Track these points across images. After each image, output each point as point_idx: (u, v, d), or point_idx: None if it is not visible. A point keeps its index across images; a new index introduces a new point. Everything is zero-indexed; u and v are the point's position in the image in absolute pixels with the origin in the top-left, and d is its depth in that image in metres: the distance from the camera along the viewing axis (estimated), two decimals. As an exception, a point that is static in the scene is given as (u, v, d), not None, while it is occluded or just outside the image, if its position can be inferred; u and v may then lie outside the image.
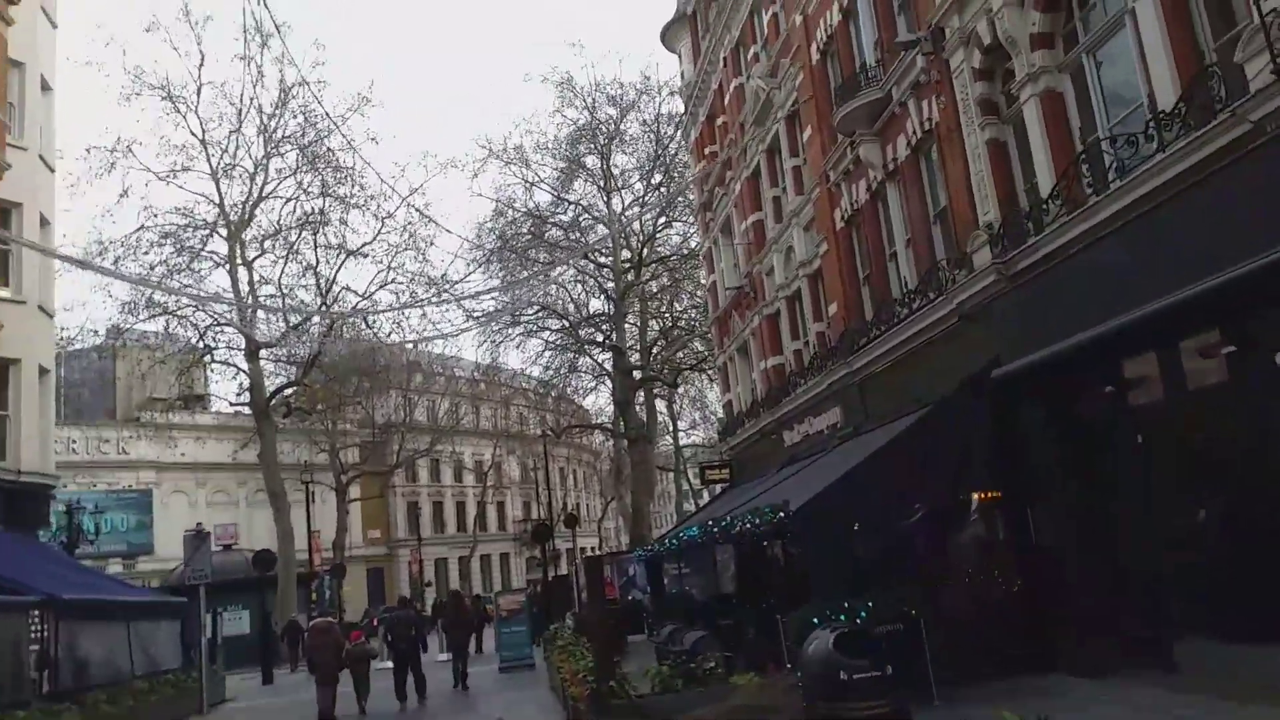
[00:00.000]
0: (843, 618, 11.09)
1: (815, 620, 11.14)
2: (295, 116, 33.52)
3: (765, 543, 15.40)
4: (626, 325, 37.92)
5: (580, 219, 36.78)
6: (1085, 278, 10.75)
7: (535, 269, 36.50)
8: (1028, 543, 12.17)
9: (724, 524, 15.07)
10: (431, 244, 51.46)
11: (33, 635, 15.43)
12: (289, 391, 37.54)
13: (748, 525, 13.56)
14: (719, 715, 10.20)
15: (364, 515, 58.14)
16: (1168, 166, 9.01)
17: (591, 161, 36.48)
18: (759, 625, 14.63)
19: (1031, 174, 12.25)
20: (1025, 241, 11.82)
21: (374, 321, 33.21)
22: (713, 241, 26.24)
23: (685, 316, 37.69)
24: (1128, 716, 8.97)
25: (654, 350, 39.14)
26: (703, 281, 37.17)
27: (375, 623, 32.72)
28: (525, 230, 35.73)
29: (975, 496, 12.52)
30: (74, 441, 49.30)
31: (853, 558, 12.09)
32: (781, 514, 12.24)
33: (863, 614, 11.15)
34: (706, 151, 26.16)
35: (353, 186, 32.98)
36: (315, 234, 33.23)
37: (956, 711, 9.95)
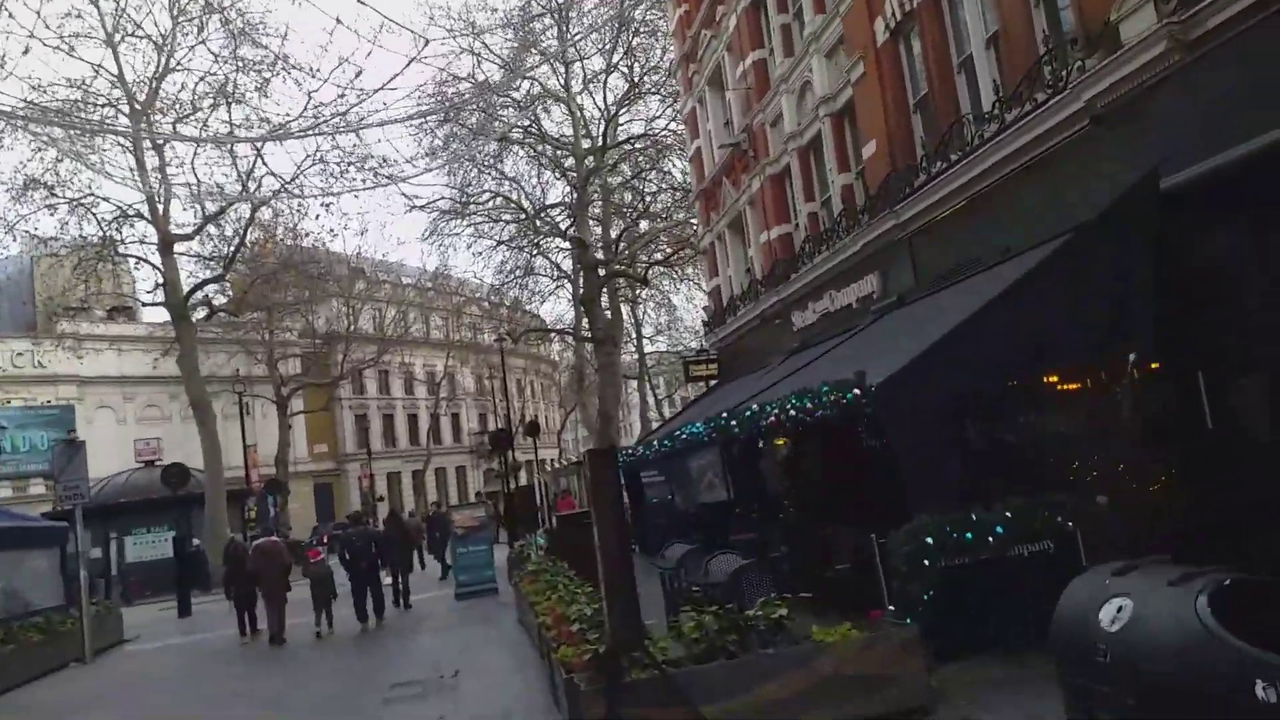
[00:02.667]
0: (969, 537, 7.31)
1: (929, 540, 7.35)
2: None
3: (813, 436, 11.43)
4: (589, 220, 33.54)
5: (536, 96, 32.03)
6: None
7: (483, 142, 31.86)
8: (1201, 425, 8.43)
9: (747, 414, 11.14)
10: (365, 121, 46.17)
11: None
12: (210, 289, 32.64)
13: (791, 412, 9.64)
14: (807, 692, 6.39)
15: (309, 429, 53.71)
16: None
17: (543, 30, 31.59)
18: (801, 544, 10.86)
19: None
20: (1214, -10, 7.82)
21: (301, 184, 28.07)
22: (697, 99, 21.86)
23: (654, 206, 33.27)
24: None
25: (618, 246, 34.82)
26: (676, 165, 32.94)
27: (325, 539, 29.16)
28: (472, 102, 30.88)
29: (1129, 362, 8.66)
30: (-18, 355, 43.98)
31: (965, 450, 8.24)
32: (855, 391, 8.32)
33: (999, 529, 7.37)
34: (690, -10, 21.63)
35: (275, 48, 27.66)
36: (230, 108, 28.06)
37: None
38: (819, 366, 12.80)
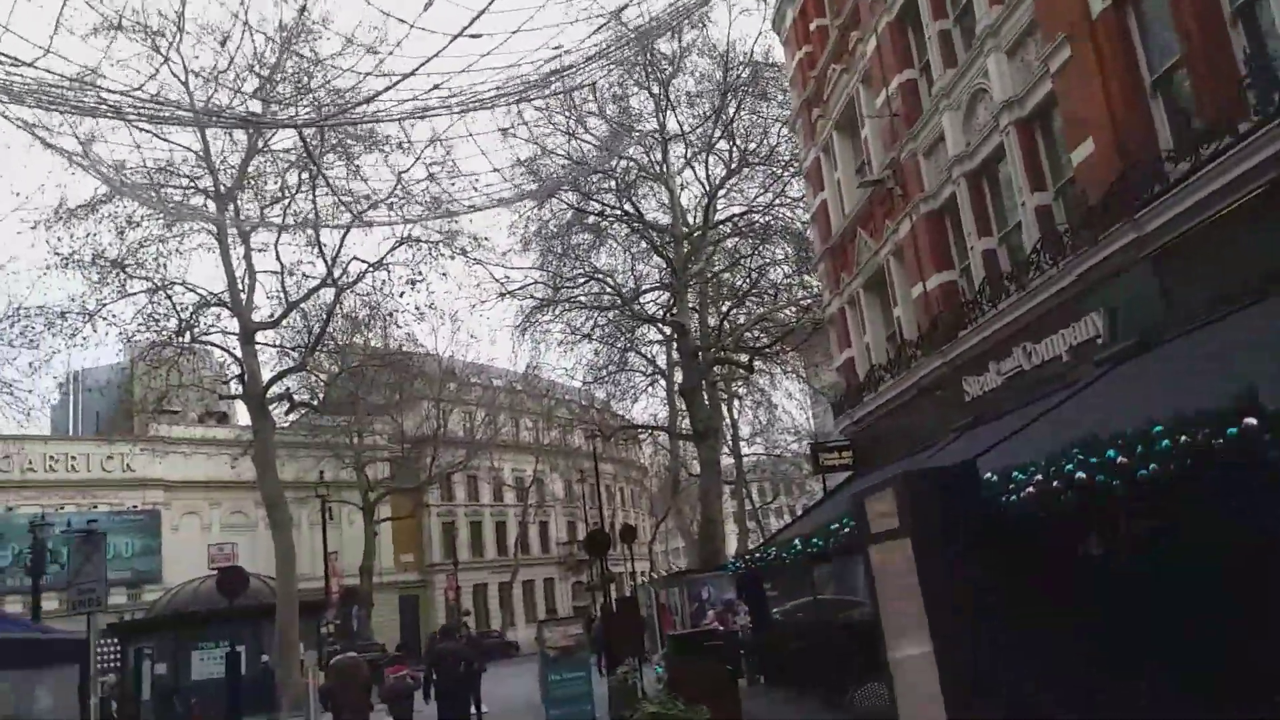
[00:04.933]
0: None
1: None
2: (295, 54, 26.73)
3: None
4: (688, 308, 30.51)
5: (632, 176, 29.64)
6: None
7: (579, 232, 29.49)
8: None
9: (1034, 470, 7.38)
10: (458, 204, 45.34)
11: None
12: (292, 383, 30.36)
13: (1078, 474, 5.99)
14: None
15: (395, 537, 50.85)
16: None
17: (642, 106, 29.42)
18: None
19: None
20: None
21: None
22: (822, 147, 18.78)
23: (761, 285, 30.09)
24: None
25: (720, 332, 31.65)
26: (780, 251, 29.90)
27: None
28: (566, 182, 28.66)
29: None
30: (73, 459, 42.64)
31: None
32: (1249, 422, 4.68)
33: None
34: (813, 28, 18.76)
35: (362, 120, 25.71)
36: (314, 183, 26.11)
37: None
38: (1037, 435, 9.13)
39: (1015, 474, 6.88)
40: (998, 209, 13.16)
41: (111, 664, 27.46)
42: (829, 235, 18.92)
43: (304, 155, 24.36)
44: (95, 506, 42.19)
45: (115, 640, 28.30)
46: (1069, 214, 11.35)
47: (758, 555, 16.05)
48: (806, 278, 29.87)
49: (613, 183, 29.36)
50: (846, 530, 10.86)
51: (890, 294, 16.32)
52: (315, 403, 33.02)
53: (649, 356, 36.27)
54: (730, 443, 44.40)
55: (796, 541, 12.93)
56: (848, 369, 18.69)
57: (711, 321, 32.87)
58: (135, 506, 43.77)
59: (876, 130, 16.01)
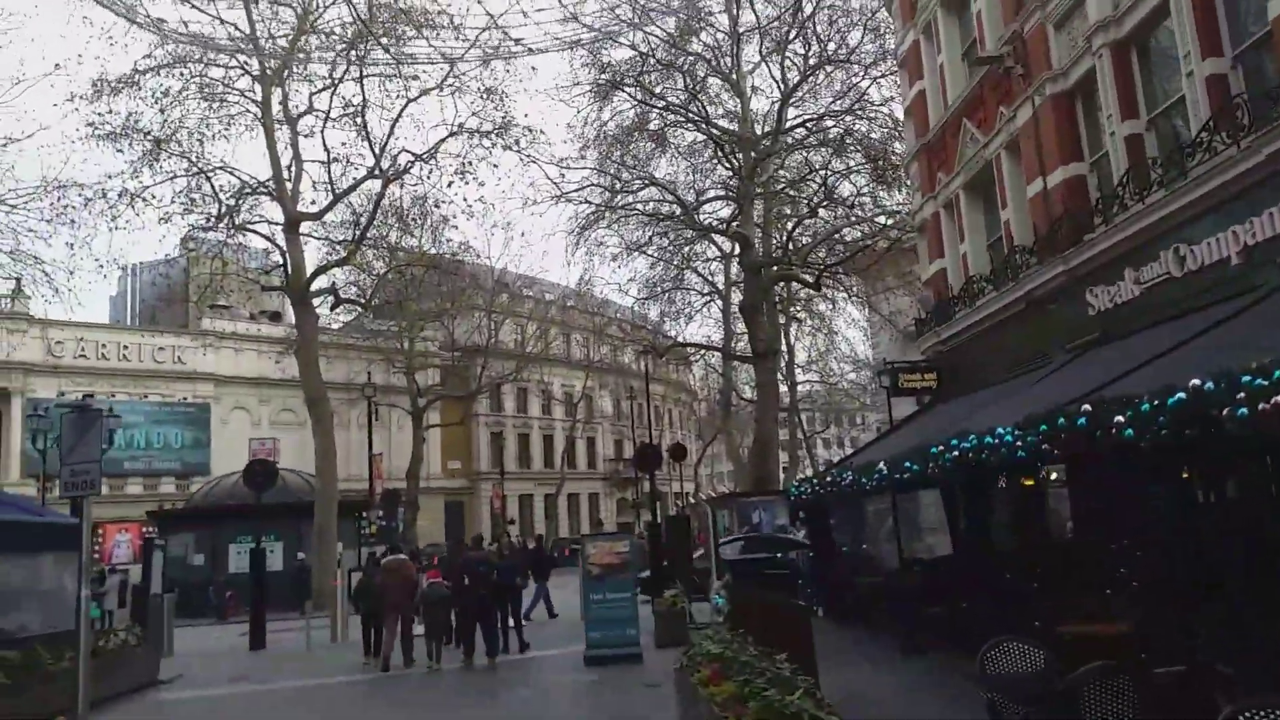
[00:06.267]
0: None
1: None
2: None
3: None
4: (752, 223, 28.24)
5: (701, 73, 27.28)
6: None
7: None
8: None
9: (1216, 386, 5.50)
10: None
11: None
12: (339, 280, 28.99)
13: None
14: None
15: (443, 444, 50.17)
16: None
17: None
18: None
19: None
20: None
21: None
22: (922, 30, 16.37)
23: (831, 200, 27.66)
24: None
25: (787, 246, 29.42)
26: (853, 161, 27.36)
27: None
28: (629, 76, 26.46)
29: None
30: (125, 349, 42.06)
31: None
32: None
33: None
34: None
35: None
36: (363, 63, 24.23)
37: None
38: (1207, 348, 7.18)
39: (1250, 380, 4.96)
40: (1147, 86, 10.86)
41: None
42: (925, 130, 16.59)
43: (359, 24, 22.38)
44: (145, 397, 41.90)
45: (154, 529, 27.72)
46: (1251, 83, 9.11)
47: (828, 479, 14.29)
48: (881, 194, 27.50)
49: (679, 77, 27.05)
50: (965, 450, 9.01)
51: (999, 193, 14.08)
52: (362, 301, 31.67)
53: (706, 275, 34.32)
54: (785, 369, 42.38)
55: (882, 465, 11.10)
56: (938, 282, 16.55)
57: (776, 238, 30.72)
58: (185, 399, 43.35)
59: (993, 0, 13.61)
